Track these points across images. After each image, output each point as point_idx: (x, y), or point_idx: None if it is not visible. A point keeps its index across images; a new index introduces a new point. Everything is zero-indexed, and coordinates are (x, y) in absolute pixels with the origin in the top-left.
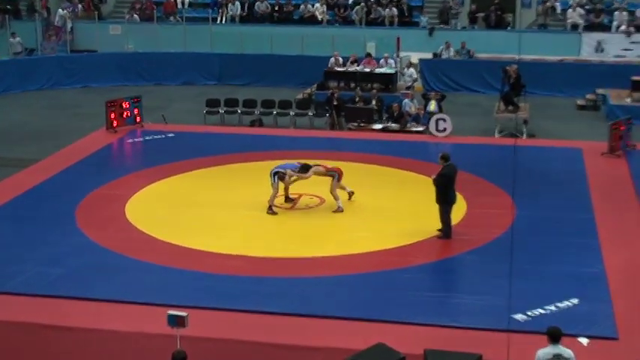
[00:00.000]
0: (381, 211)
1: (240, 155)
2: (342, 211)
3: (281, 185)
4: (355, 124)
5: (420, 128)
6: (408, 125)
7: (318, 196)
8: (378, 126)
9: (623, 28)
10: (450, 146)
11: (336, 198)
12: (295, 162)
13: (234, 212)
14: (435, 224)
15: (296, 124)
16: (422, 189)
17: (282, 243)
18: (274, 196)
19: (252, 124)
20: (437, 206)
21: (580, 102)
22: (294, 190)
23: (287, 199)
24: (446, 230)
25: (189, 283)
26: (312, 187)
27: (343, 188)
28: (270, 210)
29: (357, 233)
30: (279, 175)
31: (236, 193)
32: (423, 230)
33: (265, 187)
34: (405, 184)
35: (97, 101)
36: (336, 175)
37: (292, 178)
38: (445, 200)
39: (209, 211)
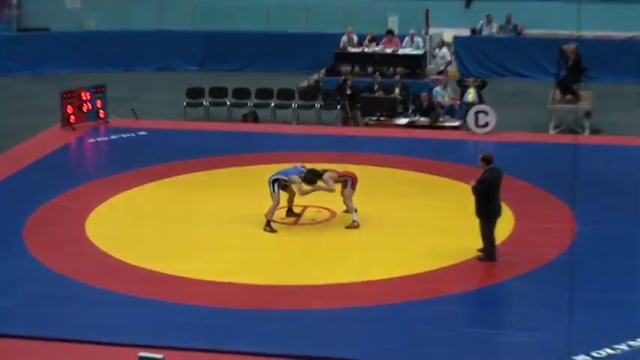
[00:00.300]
0: (407, 226)
1: (230, 158)
2: (358, 226)
3: (283, 195)
4: (374, 118)
5: (456, 123)
6: (440, 119)
7: (326, 208)
8: (403, 120)
9: None
10: (492, 145)
11: (350, 210)
12: (299, 165)
13: (223, 229)
14: (474, 243)
15: (299, 118)
16: (458, 199)
17: (283, 267)
18: (274, 208)
19: (245, 118)
20: (477, 220)
21: None
22: (296, 200)
23: (289, 212)
24: (488, 250)
25: (166, 318)
26: (319, 198)
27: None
28: (269, 226)
29: (377, 254)
30: (280, 184)
31: (225, 205)
32: (460, 250)
33: (262, 197)
34: (437, 192)
35: (51, 92)
36: (349, 181)
37: (307, 187)
38: (487, 213)
39: (191, 229)
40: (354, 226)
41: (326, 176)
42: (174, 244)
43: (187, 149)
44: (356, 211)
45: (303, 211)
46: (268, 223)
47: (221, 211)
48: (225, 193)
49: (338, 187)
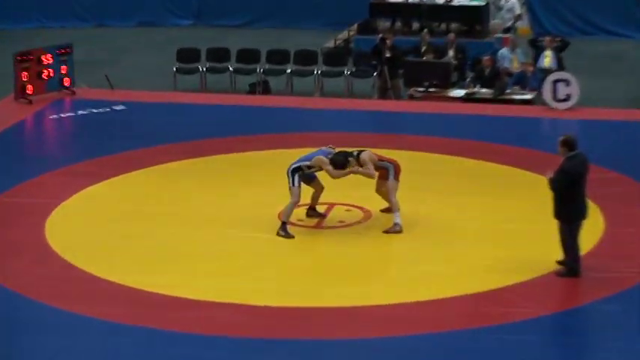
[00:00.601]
0: (463, 231)
1: (233, 141)
2: (401, 231)
3: (306, 192)
4: (421, 89)
5: (527, 96)
6: (508, 91)
7: (359, 207)
8: (459, 92)
9: None
10: (576, 125)
11: (393, 208)
12: (325, 148)
13: (223, 234)
14: (551, 253)
15: (324, 89)
16: (530, 195)
17: (300, 284)
18: (292, 207)
19: (253, 89)
20: (555, 224)
21: None
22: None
23: (311, 211)
24: (570, 263)
25: (154, 352)
26: (348, 192)
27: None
28: (284, 230)
29: (424, 266)
30: (302, 174)
31: (225, 203)
32: (532, 263)
33: (274, 192)
34: (503, 187)
35: (1, 53)
36: (391, 168)
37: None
38: (569, 214)
39: (182, 233)
40: (395, 230)
41: (364, 156)
42: (160, 253)
43: (177, 129)
44: (399, 210)
45: (328, 210)
46: (283, 225)
47: (220, 210)
48: (225, 186)
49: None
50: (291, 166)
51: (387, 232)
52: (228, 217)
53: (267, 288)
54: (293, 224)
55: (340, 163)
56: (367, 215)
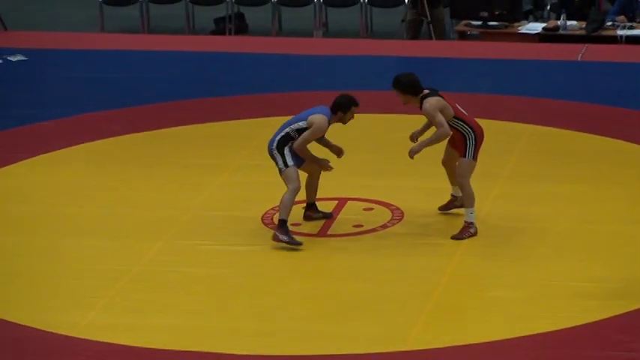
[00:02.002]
0: (548, 236)
1: (189, 106)
2: (476, 233)
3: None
4: (476, 22)
5: (638, 31)
6: (608, 23)
7: (384, 203)
8: (534, 27)
9: None
10: None
11: (466, 200)
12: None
13: (177, 247)
14: None
15: (328, 24)
16: None
17: (303, 321)
18: (293, 196)
19: (220, 27)
20: None
21: None
22: (325, 183)
23: (310, 210)
24: None
25: None
26: (367, 180)
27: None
28: (284, 233)
29: (491, 291)
30: (291, 145)
31: (179, 199)
32: None
33: (254, 180)
34: (607, 169)
35: None
36: (471, 135)
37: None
38: None
39: (110, 245)
40: (469, 233)
41: (429, 105)
42: (80, 278)
43: (103, 90)
44: (474, 205)
45: (338, 208)
46: (282, 225)
47: (169, 211)
48: (175, 174)
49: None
50: (274, 138)
51: (456, 237)
52: (181, 220)
53: (249, 328)
54: (294, 226)
55: (347, 101)
56: (397, 216)
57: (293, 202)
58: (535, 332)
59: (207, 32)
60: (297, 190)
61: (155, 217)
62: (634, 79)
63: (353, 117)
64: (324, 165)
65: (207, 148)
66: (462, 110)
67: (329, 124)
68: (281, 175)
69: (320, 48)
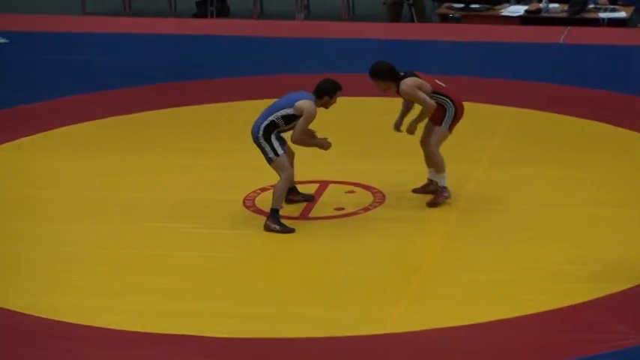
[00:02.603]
0: (529, 218)
1: (170, 88)
2: (449, 196)
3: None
4: (458, 5)
5: (621, 14)
6: (590, 6)
7: (365, 186)
8: (516, 9)
9: None
10: None
11: (437, 166)
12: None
13: (160, 230)
14: None
15: (309, 6)
16: (630, 164)
17: (287, 304)
18: (286, 184)
19: (202, 10)
20: None
21: None
22: (305, 167)
23: (291, 192)
24: None
25: None
26: (349, 163)
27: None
28: (275, 221)
29: (471, 274)
30: (278, 132)
31: (160, 183)
32: (632, 264)
33: (236, 163)
34: (589, 152)
35: None
36: (450, 106)
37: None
38: None
39: (93, 229)
40: (442, 199)
41: (407, 85)
42: (64, 261)
43: (87, 72)
44: (445, 171)
45: (319, 191)
46: (274, 214)
47: (151, 195)
48: (158, 157)
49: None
50: (258, 126)
51: (433, 203)
52: (164, 204)
53: (232, 311)
54: (264, 213)
55: (332, 86)
56: (379, 198)
57: (286, 191)
58: (516, 315)
59: (188, 15)
60: (290, 178)
61: (137, 201)
62: (616, 62)
63: (335, 101)
64: (324, 144)
65: (190, 131)
66: (440, 84)
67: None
68: (271, 164)
69: (301, 31)
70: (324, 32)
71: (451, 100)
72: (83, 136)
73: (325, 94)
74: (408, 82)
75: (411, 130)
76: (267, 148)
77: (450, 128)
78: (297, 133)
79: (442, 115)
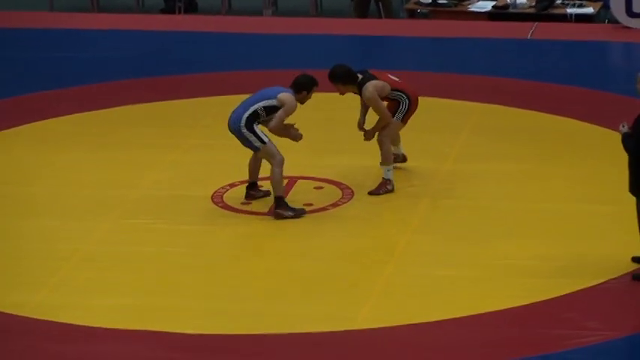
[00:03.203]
0: (496, 215)
1: (139, 85)
2: (393, 190)
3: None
4: (426, 1)
5: (588, 9)
6: (558, 1)
7: (334, 182)
8: (484, 5)
9: None
10: None
11: (384, 158)
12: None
13: (125, 226)
14: (626, 246)
15: (277, 2)
16: (595, 160)
17: (254, 300)
18: (281, 171)
19: (170, 6)
20: (632, 202)
21: None
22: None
23: (253, 188)
24: None
25: None
26: (318, 159)
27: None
28: (286, 208)
29: (438, 270)
30: (258, 123)
31: (128, 179)
32: (598, 260)
33: (205, 159)
34: (555, 147)
35: None
36: (404, 101)
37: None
38: None
39: (54, 225)
40: (384, 190)
41: (369, 89)
42: (25, 258)
43: (55, 68)
44: (404, 160)
45: (288, 186)
46: (281, 203)
47: (121, 189)
48: (128, 153)
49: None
50: (239, 117)
51: (374, 193)
52: (131, 199)
53: (199, 307)
54: (235, 210)
55: (309, 81)
56: (347, 194)
57: (282, 176)
58: (484, 311)
59: (156, 11)
60: (282, 162)
61: (104, 197)
62: (583, 57)
63: (311, 97)
64: (296, 135)
65: (157, 127)
66: (395, 79)
67: None
68: (259, 153)
69: (269, 27)
70: (292, 28)
71: (406, 95)
72: (50, 133)
73: (303, 88)
74: (370, 89)
75: (368, 138)
76: (252, 138)
77: (404, 120)
78: (276, 122)
79: (395, 109)
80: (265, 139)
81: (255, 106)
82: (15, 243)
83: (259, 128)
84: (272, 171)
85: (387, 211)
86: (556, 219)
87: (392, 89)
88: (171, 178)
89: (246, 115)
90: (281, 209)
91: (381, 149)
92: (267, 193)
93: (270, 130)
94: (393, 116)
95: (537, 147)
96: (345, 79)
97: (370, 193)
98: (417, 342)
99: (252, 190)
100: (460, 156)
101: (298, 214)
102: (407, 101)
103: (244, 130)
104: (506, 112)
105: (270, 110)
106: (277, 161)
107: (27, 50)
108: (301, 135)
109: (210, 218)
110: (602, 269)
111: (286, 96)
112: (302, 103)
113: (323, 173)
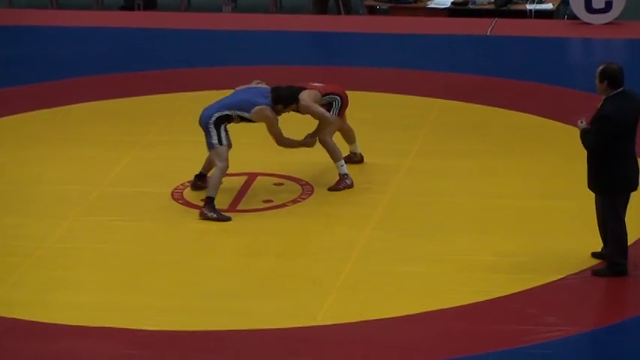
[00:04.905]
0: (454, 210)
1: (96, 82)
2: (351, 185)
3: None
4: None
5: (548, 5)
6: None
7: (294, 178)
8: (443, 1)
9: None
10: (621, 48)
11: (334, 155)
12: (256, 83)
13: (85, 223)
14: (586, 241)
15: (237, 0)
16: (553, 155)
17: (214, 296)
18: (222, 175)
19: (129, 2)
20: (591, 197)
21: None
22: (234, 159)
23: (200, 179)
24: (613, 256)
25: None
26: (277, 156)
27: (350, 142)
28: (212, 210)
29: (397, 266)
30: (227, 124)
31: (97, 173)
32: (557, 256)
33: (163, 155)
34: (513, 143)
35: None
36: (337, 101)
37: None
38: (611, 182)
39: (13, 221)
40: (345, 185)
41: (304, 97)
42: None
43: (13, 66)
44: (360, 160)
45: (248, 183)
46: (209, 203)
47: (81, 185)
48: (89, 150)
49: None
50: (210, 114)
51: (333, 189)
52: (91, 197)
53: (161, 304)
54: (196, 207)
55: (286, 99)
56: (307, 191)
57: (221, 181)
58: (446, 306)
59: (116, 8)
60: (225, 169)
61: (64, 194)
62: (543, 54)
63: (287, 111)
64: (309, 143)
65: (117, 124)
66: (321, 85)
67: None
68: (211, 150)
69: (229, 23)
70: (252, 25)
71: (337, 95)
72: (9, 129)
73: (280, 102)
74: (303, 97)
75: (310, 144)
76: (214, 134)
77: (341, 114)
78: (278, 140)
79: (329, 109)
80: (224, 142)
81: (230, 112)
82: None
83: (226, 129)
84: (214, 172)
85: (347, 207)
86: (516, 215)
87: (323, 95)
88: (131, 175)
89: (219, 114)
90: (207, 209)
91: (326, 149)
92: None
93: (282, 145)
94: (330, 112)
95: (497, 143)
96: (288, 99)
97: (330, 189)
98: (377, 338)
99: (200, 181)
100: (420, 152)
101: (222, 219)
102: (339, 100)
103: (211, 126)
104: (465, 108)
105: (244, 119)
106: (222, 167)
107: None
108: (313, 142)
109: (170, 215)
110: (562, 265)
111: (260, 111)
112: (278, 114)
113: (283, 170)
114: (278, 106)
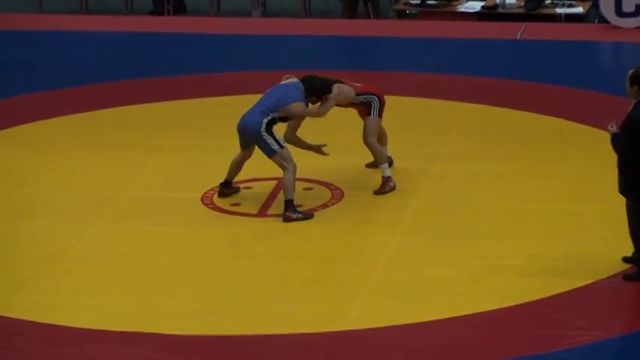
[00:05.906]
0: (482, 214)
1: (128, 87)
2: (394, 188)
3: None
4: (415, 1)
5: (578, 9)
6: (547, 1)
7: (324, 183)
8: (473, 5)
9: None
10: None
11: (379, 158)
12: (288, 79)
13: (111, 228)
14: (617, 246)
15: (266, 3)
16: (583, 159)
17: (246, 301)
18: (294, 174)
19: (159, 8)
20: (622, 202)
21: None
22: (263, 164)
23: (226, 187)
24: None
25: None
26: (305, 160)
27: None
28: (294, 211)
29: (423, 270)
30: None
31: (126, 177)
32: (587, 260)
33: (192, 160)
34: (544, 147)
35: None
36: (374, 102)
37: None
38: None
39: (42, 226)
40: (389, 188)
41: (335, 92)
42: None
43: (44, 70)
44: (390, 164)
45: (277, 188)
46: (291, 206)
47: (111, 190)
48: (118, 155)
49: (349, 119)
50: (259, 120)
51: (379, 192)
52: (120, 201)
53: (189, 308)
54: (225, 211)
55: (319, 90)
56: (337, 195)
57: (295, 181)
58: (475, 311)
59: (145, 12)
60: (295, 169)
61: (95, 198)
62: (573, 57)
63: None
64: (319, 150)
65: (147, 128)
66: (358, 85)
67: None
68: (274, 156)
69: (258, 28)
70: (281, 29)
71: (374, 94)
72: (40, 135)
73: (314, 94)
74: (335, 89)
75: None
76: (271, 141)
77: (380, 115)
78: (318, 115)
79: (369, 108)
80: (283, 145)
81: (274, 114)
82: (5, 245)
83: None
84: (285, 176)
85: (378, 211)
86: (546, 219)
87: (358, 94)
88: (161, 180)
89: (267, 120)
90: (290, 212)
91: (372, 151)
92: (237, 190)
93: (323, 115)
94: (368, 115)
95: (527, 147)
96: (320, 92)
97: (376, 193)
98: (406, 343)
99: (226, 188)
100: (450, 156)
101: (307, 217)
102: (377, 100)
103: (264, 134)
104: (495, 113)
105: (284, 119)
106: (292, 167)
107: (16, 52)
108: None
109: (200, 220)
110: (593, 269)
111: (295, 107)
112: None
113: (312, 174)
114: (312, 98)
